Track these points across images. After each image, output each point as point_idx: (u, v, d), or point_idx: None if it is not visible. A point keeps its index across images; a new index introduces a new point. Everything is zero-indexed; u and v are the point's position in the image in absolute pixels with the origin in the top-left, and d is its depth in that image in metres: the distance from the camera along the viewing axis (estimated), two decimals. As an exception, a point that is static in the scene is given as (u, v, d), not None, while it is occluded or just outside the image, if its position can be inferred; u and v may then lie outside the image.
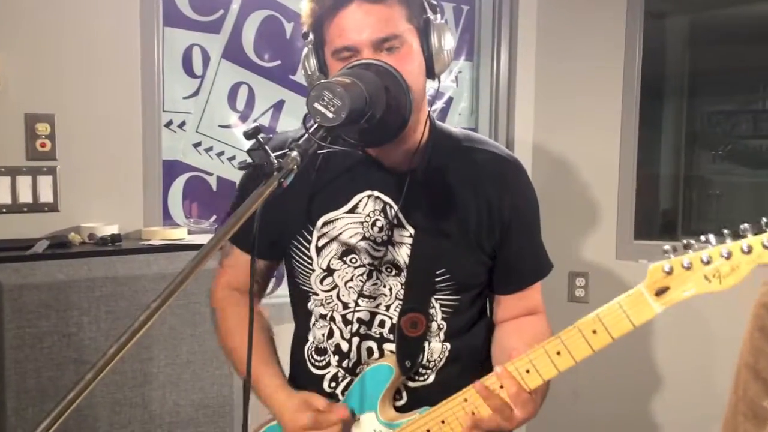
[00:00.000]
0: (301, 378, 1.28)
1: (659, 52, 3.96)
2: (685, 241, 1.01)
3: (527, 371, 1.07)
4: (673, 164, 4.28)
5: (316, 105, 0.93)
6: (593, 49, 2.74)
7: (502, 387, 1.07)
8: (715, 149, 4.57)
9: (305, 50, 1.16)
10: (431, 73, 1.14)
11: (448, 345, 1.22)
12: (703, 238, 1.00)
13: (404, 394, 1.22)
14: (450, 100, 2.81)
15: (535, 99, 2.82)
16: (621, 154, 2.75)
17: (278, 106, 2.42)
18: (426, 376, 1.22)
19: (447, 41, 1.13)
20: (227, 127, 2.35)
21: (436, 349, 1.21)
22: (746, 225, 0.97)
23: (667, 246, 1.01)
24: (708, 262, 0.97)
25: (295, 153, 0.92)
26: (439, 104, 2.77)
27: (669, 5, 3.75)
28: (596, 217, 2.80)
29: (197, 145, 2.30)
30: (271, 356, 1.27)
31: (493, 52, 2.79)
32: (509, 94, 2.80)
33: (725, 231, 0.99)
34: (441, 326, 1.21)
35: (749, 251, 0.96)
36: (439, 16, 1.14)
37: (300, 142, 0.94)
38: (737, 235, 0.97)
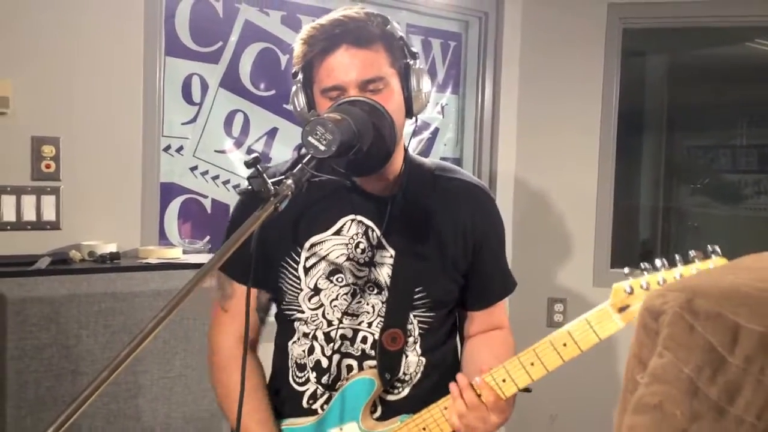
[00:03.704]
0: (282, 392, 1.34)
1: (639, 89, 4.12)
2: (643, 266, 1.13)
3: (504, 380, 1.18)
4: (652, 196, 4.42)
5: (309, 138, 1.04)
6: (573, 85, 2.88)
7: (480, 395, 1.18)
8: (694, 183, 4.72)
9: (294, 88, 1.26)
10: (410, 112, 1.24)
11: (423, 359, 1.31)
12: (658, 262, 1.12)
13: (379, 407, 1.30)
14: (436, 130, 2.93)
15: (517, 131, 2.95)
16: (599, 187, 2.88)
17: (272, 134, 2.53)
18: (401, 390, 1.30)
19: (425, 84, 1.24)
20: (222, 152, 2.45)
21: (413, 362, 1.30)
22: (694, 252, 1.09)
23: (627, 269, 1.14)
24: (663, 284, 1.09)
25: (290, 181, 1.02)
26: (425, 134, 2.90)
27: (648, 44, 3.92)
28: (575, 246, 2.92)
29: (194, 168, 2.40)
30: (270, 420, 1.30)
31: (478, 86, 2.93)
32: (493, 127, 2.93)
33: (677, 256, 1.11)
34: (417, 340, 1.30)
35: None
36: (418, 61, 1.26)
37: (294, 171, 1.04)
38: (687, 261, 1.09)
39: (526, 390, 1.70)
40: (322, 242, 1.28)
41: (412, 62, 1.24)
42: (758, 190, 4.53)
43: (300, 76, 1.25)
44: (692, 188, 4.71)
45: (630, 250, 3.87)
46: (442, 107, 2.94)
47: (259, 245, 1.04)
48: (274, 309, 1.39)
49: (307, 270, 1.29)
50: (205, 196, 2.43)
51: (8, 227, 1.97)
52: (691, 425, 0.36)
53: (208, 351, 1.36)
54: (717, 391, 0.36)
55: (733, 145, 4.64)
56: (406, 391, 1.30)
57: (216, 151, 2.44)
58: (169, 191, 2.35)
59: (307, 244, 1.29)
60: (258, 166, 1.02)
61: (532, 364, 1.16)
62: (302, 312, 1.30)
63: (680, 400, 0.37)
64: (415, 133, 2.85)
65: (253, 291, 1.31)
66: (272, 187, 1.01)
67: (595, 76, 2.86)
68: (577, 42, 2.87)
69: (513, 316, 2.75)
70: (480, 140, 2.93)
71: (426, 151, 2.88)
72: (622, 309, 1.13)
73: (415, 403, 1.26)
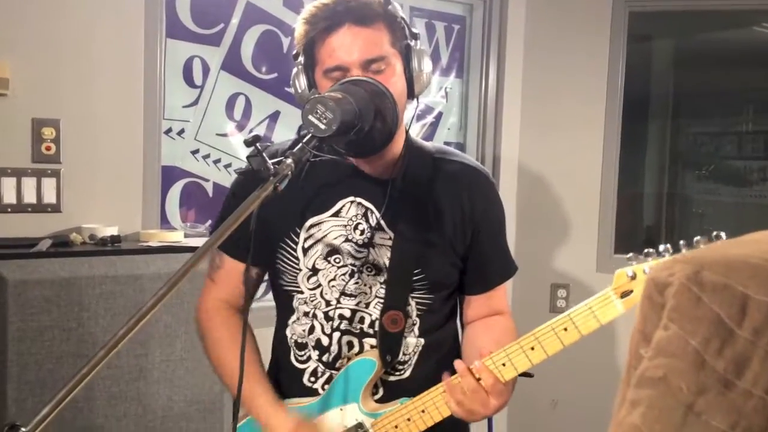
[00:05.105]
0: (283, 372, 1.36)
1: (645, 74, 4.09)
2: (646, 250, 1.12)
3: (503, 364, 1.18)
4: (657, 183, 4.40)
5: (310, 117, 1.03)
6: (578, 69, 2.86)
7: (479, 379, 1.18)
8: (699, 169, 4.70)
9: (295, 70, 1.25)
10: (411, 93, 1.24)
11: (422, 340, 1.31)
12: (662, 247, 1.11)
13: (381, 389, 1.30)
14: (440, 115, 2.91)
15: (521, 116, 2.93)
16: (603, 172, 2.86)
17: (274, 117, 2.52)
18: (402, 371, 1.31)
19: (426, 65, 1.24)
20: (224, 135, 2.44)
21: (411, 343, 1.31)
22: (699, 237, 1.07)
23: (629, 254, 1.12)
24: None
25: (289, 160, 1.01)
26: (429, 119, 2.88)
27: (654, 28, 3.88)
28: (578, 232, 2.90)
29: (195, 152, 2.39)
30: (263, 373, 1.33)
31: (482, 71, 2.90)
32: (496, 111, 2.91)
33: (681, 242, 1.10)
34: (415, 322, 1.31)
35: None
36: (419, 42, 1.25)
37: (294, 150, 1.03)
38: (691, 246, 1.08)
39: (528, 375, 1.69)
40: (320, 223, 1.29)
41: (413, 43, 1.23)
42: (764, 177, 4.50)
43: (301, 58, 1.23)
44: (697, 174, 4.69)
45: (634, 236, 3.85)
46: (446, 92, 2.91)
47: (257, 224, 1.04)
48: (262, 289, 1.41)
49: (305, 250, 1.29)
50: (207, 180, 2.42)
51: (9, 210, 1.97)
52: (697, 399, 0.35)
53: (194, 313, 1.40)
54: (724, 364, 0.35)
55: (739, 132, 4.61)
56: (407, 372, 1.31)
57: (218, 134, 2.43)
58: (170, 174, 2.34)
59: (306, 225, 1.29)
60: (257, 145, 1.01)
61: (533, 348, 1.16)
62: (301, 292, 1.31)
63: (686, 373, 0.35)
64: (418, 118, 2.83)
65: (243, 266, 1.32)
66: (272, 167, 1.00)
67: (601, 60, 2.83)
68: (582, 25, 2.84)
69: (516, 302, 2.77)
70: (484, 125, 2.91)
71: (429, 136, 2.86)
72: (624, 294, 1.12)
73: (415, 385, 1.26)
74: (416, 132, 2.81)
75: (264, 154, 1.00)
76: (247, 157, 1.03)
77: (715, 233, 1.08)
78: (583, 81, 2.85)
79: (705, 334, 0.36)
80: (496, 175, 2.88)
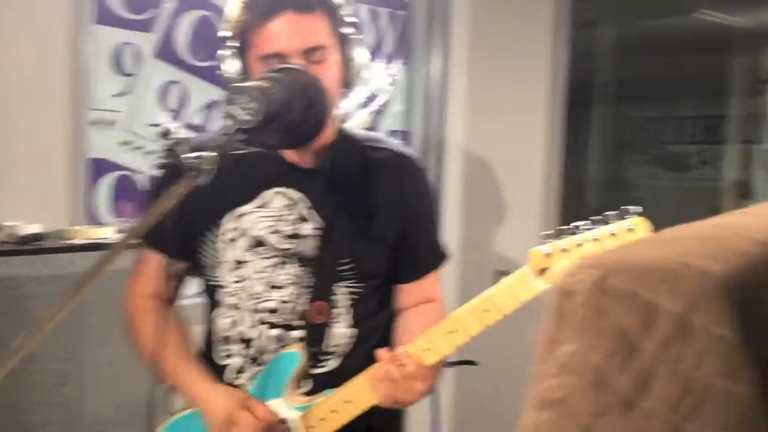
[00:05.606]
0: (207, 369, 1.32)
1: (588, 60, 4.13)
2: (560, 227, 1.13)
3: (425, 350, 1.18)
4: (600, 168, 4.47)
5: (232, 107, 0.98)
6: (522, 54, 2.85)
7: (404, 365, 1.17)
8: (641, 154, 4.79)
9: (227, 52, 1.21)
10: (347, 83, 1.23)
11: (355, 330, 1.29)
12: (574, 225, 1.13)
13: (308, 381, 1.28)
14: (384, 103, 2.86)
15: (467, 102, 2.91)
16: (547, 158, 2.87)
17: (212, 106, 2.43)
18: (329, 362, 1.29)
19: (363, 56, 1.24)
20: (158, 126, 2.33)
21: (341, 334, 1.28)
22: (611, 213, 1.10)
23: (546, 232, 1.13)
24: (580, 245, 1.10)
25: (209, 153, 0.96)
26: (374, 106, 2.83)
27: (598, 15, 3.92)
28: (522, 218, 2.91)
29: (127, 143, 2.28)
30: (190, 353, 1.32)
31: (427, 57, 2.87)
32: (441, 98, 2.89)
33: (591, 218, 1.12)
34: (347, 312, 1.29)
35: (614, 235, 1.09)
36: (357, 32, 1.24)
37: (216, 142, 0.98)
38: (604, 222, 1.11)
39: (472, 363, 1.68)
40: (244, 214, 1.26)
41: (351, 32, 1.22)
42: (703, 160, 4.62)
43: (235, 42, 1.20)
44: (640, 159, 4.78)
45: (578, 221, 3.90)
46: (393, 79, 2.87)
47: (179, 216, 1.01)
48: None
49: (229, 242, 1.26)
50: (140, 173, 2.32)
51: None
52: (596, 421, 0.32)
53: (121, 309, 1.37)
54: (627, 382, 0.32)
55: (679, 116, 4.71)
56: (335, 363, 1.29)
57: (151, 125, 2.32)
58: (100, 167, 2.23)
59: (229, 217, 1.26)
60: (175, 138, 0.96)
61: (455, 331, 1.17)
62: (225, 285, 1.28)
63: (586, 392, 0.32)
64: (363, 106, 2.78)
65: (163, 259, 1.30)
66: (189, 161, 0.95)
67: (545, 45, 2.83)
68: (526, 10, 2.84)
69: (459, 289, 2.76)
70: (428, 112, 2.88)
71: (374, 124, 2.82)
72: (541, 272, 1.13)
73: (345, 376, 1.25)
74: (362, 121, 2.76)
75: (179, 148, 0.96)
76: (164, 150, 0.98)
77: (623, 207, 1.11)
78: (527, 66, 2.85)
79: (608, 348, 0.33)
80: (441, 161, 2.86)
